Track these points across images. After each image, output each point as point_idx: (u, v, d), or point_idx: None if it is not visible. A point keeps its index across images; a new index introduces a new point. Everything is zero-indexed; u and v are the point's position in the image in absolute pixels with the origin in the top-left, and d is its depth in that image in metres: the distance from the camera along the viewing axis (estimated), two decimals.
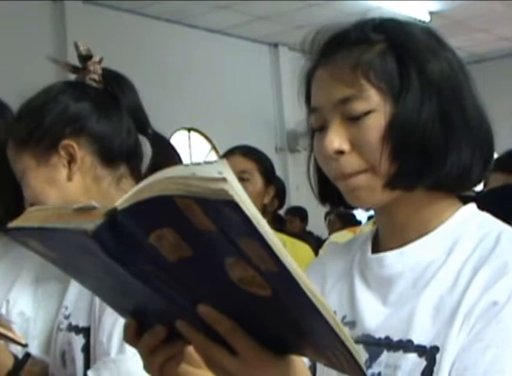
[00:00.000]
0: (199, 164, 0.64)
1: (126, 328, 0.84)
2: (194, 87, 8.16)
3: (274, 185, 2.84)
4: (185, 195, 0.61)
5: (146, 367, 0.86)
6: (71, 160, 1.37)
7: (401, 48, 1.01)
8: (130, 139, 1.42)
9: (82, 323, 1.35)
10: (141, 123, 1.45)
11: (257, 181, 2.73)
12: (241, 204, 0.60)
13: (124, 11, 7.58)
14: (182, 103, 8.06)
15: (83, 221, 0.69)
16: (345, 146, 1.00)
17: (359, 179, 1.00)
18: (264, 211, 2.83)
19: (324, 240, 4.88)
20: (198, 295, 0.73)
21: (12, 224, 0.78)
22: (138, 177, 1.41)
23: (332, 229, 7.38)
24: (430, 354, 0.93)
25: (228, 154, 2.80)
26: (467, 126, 1.00)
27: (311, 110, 1.06)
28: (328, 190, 1.09)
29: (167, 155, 1.48)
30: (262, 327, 0.75)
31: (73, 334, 1.36)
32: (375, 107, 0.99)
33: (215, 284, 0.71)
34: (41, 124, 1.38)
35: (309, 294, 0.67)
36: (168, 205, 0.63)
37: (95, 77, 1.42)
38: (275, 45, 9.24)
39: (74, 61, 1.45)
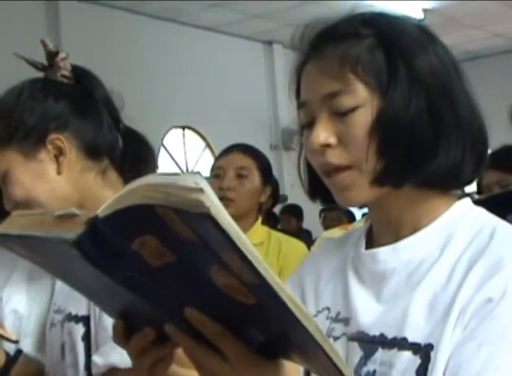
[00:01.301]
0: (177, 173, 0.64)
1: (115, 329, 0.83)
2: (189, 85, 8.15)
3: (271, 185, 2.84)
4: (165, 204, 0.61)
5: (136, 369, 0.85)
6: (59, 154, 1.36)
7: (390, 43, 1.00)
8: (111, 132, 1.42)
9: (82, 312, 1.34)
10: (114, 117, 1.44)
11: (255, 178, 2.74)
12: (217, 218, 0.60)
13: (119, 9, 7.56)
14: (177, 101, 8.05)
15: (64, 229, 0.68)
16: (332, 140, 0.99)
17: (345, 177, 1.00)
18: (259, 209, 2.83)
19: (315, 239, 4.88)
20: (185, 300, 0.73)
21: None
22: (119, 170, 1.41)
23: (327, 227, 7.39)
24: (424, 352, 0.93)
25: (228, 151, 2.81)
26: (458, 123, 0.99)
27: (299, 105, 1.06)
28: (318, 187, 1.08)
29: (140, 149, 1.47)
30: (250, 331, 0.75)
31: (73, 324, 1.36)
32: (362, 102, 0.98)
33: (201, 290, 0.71)
34: (22, 121, 1.36)
35: (291, 306, 0.67)
36: (148, 213, 0.63)
37: (66, 73, 1.41)
38: (270, 43, 9.23)
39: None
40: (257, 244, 2.70)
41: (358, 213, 6.43)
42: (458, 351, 0.90)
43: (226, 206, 2.63)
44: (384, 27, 1.02)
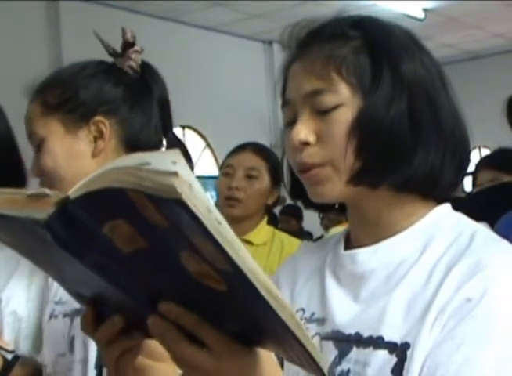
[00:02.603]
0: (154, 153, 0.62)
1: (83, 317, 0.82)
2: (189, 84, 8.14)
3: (279, 187, 2.82)
4: (136, 188, 0.59)
5: (103, 359, 0.84)
6: (99, 137, 1.35)
7: (376, 46, 1.00)
8: (156, 134, 1.40)
9: None
10: (165, 121, 1.43)
11: (265, 179, 2.71)
12: (189, 203, 0.58)
13: (119, 8, 7.57)
14: (177, 101, 8.00)
15: (35, 209, 0.67)
16: (311, 138, 1.00)
17: (318, 172, 1.00)
18: (266, 210, 2.82)
19: (319, 238, 4.88)
20: (156, 287, 0.72)
21: None
22: None
23: (326, 227, 7.38)
24: (401, 350, 0.93)
25: (239, 150, 2.78)
26: (439, 130, 1.00)
27: (283, 103, 1.06)
28: (299, 187, 1.08)
29: None
30: (223, 320, 0.73)
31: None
32: (344, 101, 0.98)
33: (173, 277, 0.69)
34: (77, 95, 1.36)
35: (265, 294, 0.65)
36: (120, 197, 0.61)
37: (134, 65, 1.41)
38: (270, 43, 9.22)
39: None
40: (261, 244, 2.69)
41: None
42: (436, 350, 0.90)
43: (233, 206, 2.64)
44: (371, 30, 1.03)
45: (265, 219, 2.81)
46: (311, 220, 7.66)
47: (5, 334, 1.50)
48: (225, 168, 2.73)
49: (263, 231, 2.76)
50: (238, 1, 7.66)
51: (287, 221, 7.40)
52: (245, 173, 2.69)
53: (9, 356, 1.40)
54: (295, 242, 2.85)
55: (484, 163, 2.65)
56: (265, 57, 9.33)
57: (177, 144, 1.46)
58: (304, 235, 6.83)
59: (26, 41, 6.56)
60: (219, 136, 7.77)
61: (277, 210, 6.97)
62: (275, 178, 2.75)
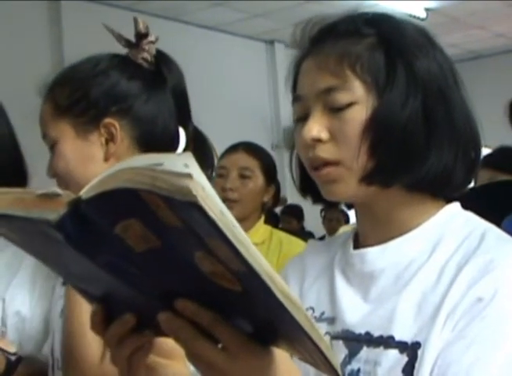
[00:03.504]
0: (165, 154, 0.61)
1: (93, 315, 0.80)
2: (190, 84, 8.11)
3: (275, 184, 2.83)
4: (150, 190, 0.59)
5: (113, 358, 0.82)
6: (110, 139, 1.31)
7: (390, 43, 1.00)
8: (172, 127, 1.37)
9: None
10: (182, 114, 1.40)
11: (258, 179, 2.73)
12: (205, 206, 0.58)
13: (120, 8, 7.56)
14: None
15: (46, 209, 0.66)
16: (323, 135, 0.99)
17: (331, 171, 0.99)
18: (262, 208, 2.83)
19: (321, 239, 4.88)
20: (170, 287, 0.71)
21: None
22: None
23: (328, 227, 7.39)
24: (411, 350, 0.93)
25: (232, 150, 2.79)
26: (452, 128, 0.99)
27: (295, 98, 1.05)
28: (309, 183, 1.07)
29: (201, 154, 1.41)
30: (237, 319, 0.73)
31: None
32: (358, 99, 0.98)
33: (186, 276, 0.68)
34: (88, 95, 1.32)
35: (280, 295, 0.64)
36: (133, 197, 0.60)
37: (148, 57, 1.37)
38: (272, 42, 9.21)
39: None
40: (259, 242, 2.70)
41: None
42: (447, 350, 0.90)
43: (230, 208, 2.63)
44: (386, 28, 1.02)
45: (262, 219, 2.82)
46: (312, 220, 7.66)
47: (9, 335, 1.49)
48: (219, 170, 2.73)
49: (261, 230, 2.77)
50: (240, 1, 7.65)
51: (288, 221, 7.41)
52: (238, 173, 2.70)
53: (12, 358, 1.39)
54: (294, 241, 2.85)
55: (483, 162, 2.65)
56: (266, 57, 9.33)
57: (199, 138, 1.42)
58: (305, 235, 6.83)
59: (28, 41, 6.56)
60: (221, 136, 7.74)
61: (278, 210, 6.97)
62: (269, 176, 2.77)
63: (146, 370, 0.85)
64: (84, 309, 1.26)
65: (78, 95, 1.32)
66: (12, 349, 1.38)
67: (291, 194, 7.74)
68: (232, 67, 8.72)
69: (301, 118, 1.03)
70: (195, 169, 0.59)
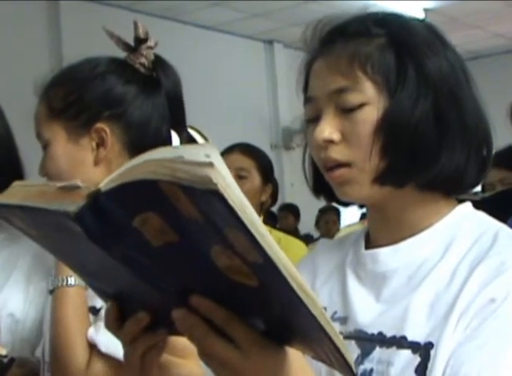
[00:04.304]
0: (187, 146, 0.61)
1: (107, 313, 0.81)
2: (189, 84, 8.11)
3: (272, 183, 2.84)
4: (171, 181, 0.59)
5: (127, 356, 0.82)
6: (101, 144, 1.32)
7: (401, 43, 1.00)
8: (164, 133, 1.37)
9: (100, 305, 1.31)
10: (176, 119, 1.41)
11: (255, 179, 2.74)
12: (225, 195, 0.58)
13: (119, 7, 7.56)
14: None
15: (65, 201, 0.66)
16: (335, 136, 1.00)
17: (343, 173, 1.00)
18: (260, 208, 2.83)
19: (316, 239, 4.88)
20: (185, 282, 0.71)
21: None
22: None
23: (325, 229, 7.40)
24: (424, 350, 0.93)
25: (227, 152, 2.81)
26: (463, 128, 0.99)
27: (306, 100, 1.06)
28: (322, 183, 1.08)
29: None
30: (251, 317, 0.72)
31: (89, 315, 1.33)
32: (369, 100, 0.98)
33: (202, 272, 0.68)
34: (82, 98, 1.33)
35: (296, 287, 0.64)
36: (153, 190, 0.60)
37: (145, 62, 1.38)
38: (271, 42, 9.21)
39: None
40: None
41: (357, 213, 6.43)
42: (459, 350, 0.90)
43: None
44: (396, 28, 1.02)
45: (261, 218, 2.82)
46: (308, 222, 7.66)
47: (2, 336, 1.49)
48: None
49: None
50: (238, 1, 7.64)
51: (285, 217, 7.46)
52: (235, 174, 2.72)
53: (5, 360, 1.39)
54: (293, 241, 2.86)
55: (492, 162, 2.62)
56: (265, 57, 9.31)
57: (193, 143, 1.45)
58: (304, 237, 6.84)
59: (26, 41, 6.55)
60: (220, 136, 7.73)
61: (275, 208, 6.97)
62: (266, 175, 2.78)
63: (159, 369, 0.85)
64: (71, 315, 1.28)
65: (72, 98, 1.33)
66: (3, 352, 1.38)
67: (290, 194, 7.74)
68: (231, 67, 8.72)
69: (313, 119, 1.03)
70: (216, 159, 0.59)
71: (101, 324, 1.26)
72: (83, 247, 0.70)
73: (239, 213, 0.59)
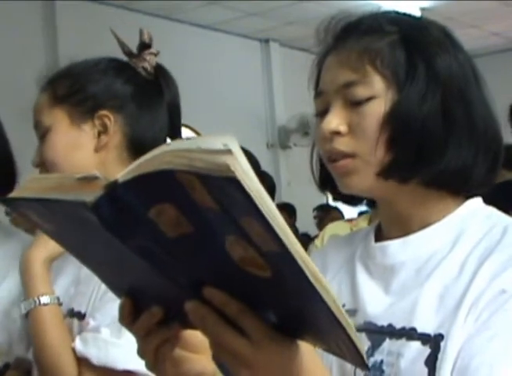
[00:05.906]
0: (204, 136, 0.61)
1: (121, 308, 0.81)
2: (184, 83, 8.10)
3: (265, 182, 2.83)
4: (187, 170, 0.59)
5: (141, 351, 0.83)
6: (103, 131, 1.35)
7: (412, 41, 1.01)
8: (162, 137, 1.40)
9: (84, 309, 1.32)
10: (173, 125, 1.44)
11: None
12: (243, 182, 0.58)
13: (115, 6, 7.55)
14: None
15: (83, 192, 0.66)
16: (342, 128, 1.01)
17: (347, 163, 1.01)
18: None
19: (313, 238, 4.87)
20: (198, 274, 0.71)
21: (12, 195, 0.75)
22: None
23: (320, 226, 7.40)
24: (434, 342, 0.93)
25: None
26: (471, 126, 1.00)
27: (316, 94, 1.07)
28: (328, 179, 1.09)
29: None
30: (263, 310, 0.72)
31: (75, 320, 1.34)
32: (377, 94, 0.99)
33: (216, 264, 0.68)
34: (85, 88, 1.37)
35: (310, 276, 0.64)
36: (170, 180, 0.61)
37: (148, 67, 1.41)
38: (267, 41, 9.20)
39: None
40: None
41: (354, 211, 6.42)
42: (470, 342, 0.90)
43: None
44: (408, 26, 1.04)
45: None
46: (308, 219, 7.67)
47: None
48: None
49: None
50: (234, 0, 7.64)
51: (282, 216, 7.43)
52: None
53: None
54: None
55: None
56: (261, 56, 9.31)
57: None
58: (298, 232, 6.84)
59: (22, 40, 6.54)
60: (215, 134, 7.72)
61: None
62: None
63: (172, 364, 0.86)
64: (52, 334, 1.29)
65: (77, 87, 1.37)
66: None
67: (286, 192, 7.74)
68: (227, 66, 8.72)
69: (322, 113, 1.05)
70: (234, 147, 0.59)
71: (88, 336, 1.26)
72: (98, 239, 0.71)
73: (256, 200, 0.59)
